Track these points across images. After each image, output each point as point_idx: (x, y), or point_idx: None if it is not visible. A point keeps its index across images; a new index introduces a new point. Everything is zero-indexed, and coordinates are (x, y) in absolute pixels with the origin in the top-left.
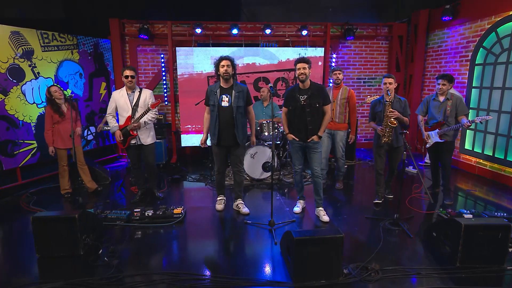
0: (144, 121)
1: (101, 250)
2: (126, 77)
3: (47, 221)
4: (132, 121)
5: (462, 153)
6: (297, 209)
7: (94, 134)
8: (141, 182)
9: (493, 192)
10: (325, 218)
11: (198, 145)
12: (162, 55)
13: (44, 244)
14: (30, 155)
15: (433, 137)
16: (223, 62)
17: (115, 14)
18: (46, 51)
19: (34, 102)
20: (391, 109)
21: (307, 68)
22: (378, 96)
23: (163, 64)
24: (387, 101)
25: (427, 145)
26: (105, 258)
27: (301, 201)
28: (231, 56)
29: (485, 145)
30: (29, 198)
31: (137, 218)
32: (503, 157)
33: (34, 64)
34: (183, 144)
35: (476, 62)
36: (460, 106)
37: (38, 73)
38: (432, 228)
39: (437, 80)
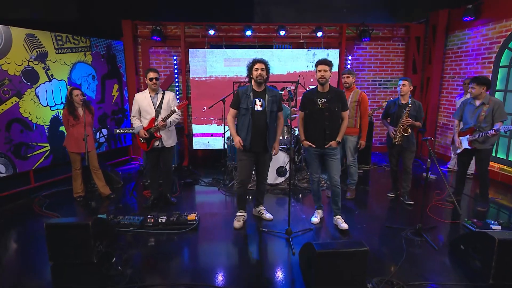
0: (170, 121)
1: (114, 258)
2: (151, 79)
3: (60, 227)
4: (157, 122)
5: None
6: (315, 219)
7: (106, 136)
8: (155, 185)
9: None
10: (344, 226)
11: (211, 147)
12: (174, 57)
13: (57, 251)
14: (43, 158)
15: (463, 143)
16: (257, 65)
17: (126, 15)
18: (60, 53)
19: (47, 105)
20: (406, 118)
21: (328, 71)
22: (394, 97)
23: (175, 66)
24: (402, 103)
25: (458, 151)
26: (119, 267)
27: (319, 211)
28: (264, 59)
29: (510, 151)
30: (42, 201)
31: (151, 224)
32: None
33: (48, 66)
34: (195, 147)
35: (500, 64)
36: (497, 112)
37: (52, 75)
38: (459, 240)
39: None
